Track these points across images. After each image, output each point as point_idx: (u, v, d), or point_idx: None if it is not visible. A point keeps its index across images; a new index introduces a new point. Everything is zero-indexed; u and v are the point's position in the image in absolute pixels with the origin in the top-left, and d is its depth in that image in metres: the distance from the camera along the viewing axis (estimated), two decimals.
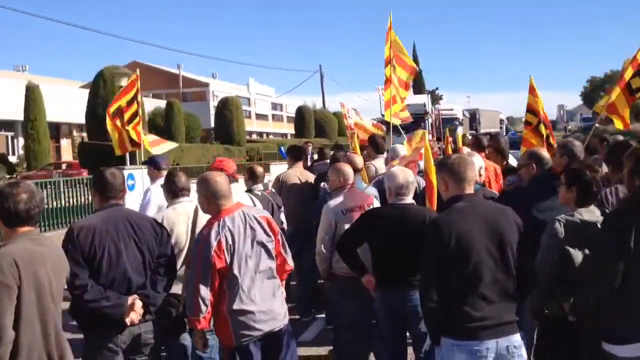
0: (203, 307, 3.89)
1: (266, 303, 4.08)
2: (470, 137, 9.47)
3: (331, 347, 6.20)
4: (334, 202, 5.41)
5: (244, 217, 4.08)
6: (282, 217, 7.04)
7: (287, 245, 4.36)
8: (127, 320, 3.91)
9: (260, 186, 6.83)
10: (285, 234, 7.06)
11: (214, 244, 3.91)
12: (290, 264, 4.38)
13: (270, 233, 4.17)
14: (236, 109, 45.56)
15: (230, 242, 3.96)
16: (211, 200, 4.04)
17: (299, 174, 7.72)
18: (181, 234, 4.76)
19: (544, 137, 7.83)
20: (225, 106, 45.43)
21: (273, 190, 7.35)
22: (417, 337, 4.74)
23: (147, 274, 4.08)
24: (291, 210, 7.34)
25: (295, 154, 8.05)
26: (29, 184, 3.36)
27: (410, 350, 4.92)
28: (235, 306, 3.98)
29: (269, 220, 4.22)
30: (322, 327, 7.16)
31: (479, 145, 7.43)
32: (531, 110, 8.15)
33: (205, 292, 3.88)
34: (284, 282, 4.42)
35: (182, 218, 4.81)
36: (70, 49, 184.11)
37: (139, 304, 3.96)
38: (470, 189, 3.69)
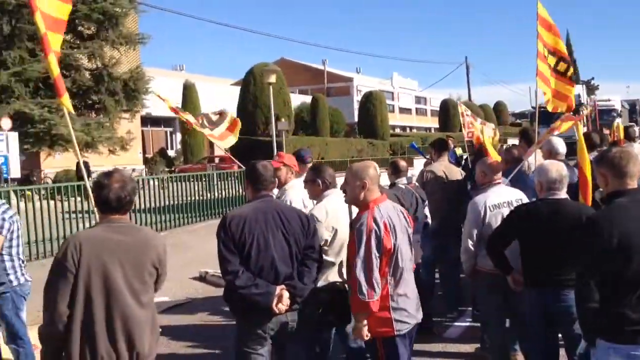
0: (377, 289, 3.82)
1: (415, 291, 4.08)
2: None
3: (478, 345, 6.07)
4: (481, 197, 5.27)
5: (394, 206, 4.12)
6: (426, 211, 6.95)
7: None
8: (275, 309, 4.02)
9: (403, 180, 6.78)
10: (429, 229, 7.02)
11: (381, 224, 3.89)
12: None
13: (410, 225, 4.18)
14: (380, 103, 45.69)
15: (391, 225, 3.94)
16: (372, 186, 4.02)
17: (444, 168, 7.58)
18: (345, 223, 4.83)
19: None
20: (369, 100, 45.70)
21: (417, 183, 7.28)
22: (570, 339, 4.51)
23: (293, 265, 4.17)
24: (435, 205, 7.23)
25: (440, 148, 7.91)
26: (123, 174, 3.47)
27: (562, 352, 4.70)
28: (400, 291, 3.95)
29: (407, 215, 4.24)
30: (469, 323, 7.00)
31: None
32: None
33: (377, 274, 3.83)
34: None
35: (344, 207, 4.91)
36: (223, 48, 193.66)
37: (286, 294, 4.06)
38: (633, 184, 3.44)
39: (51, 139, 21.71)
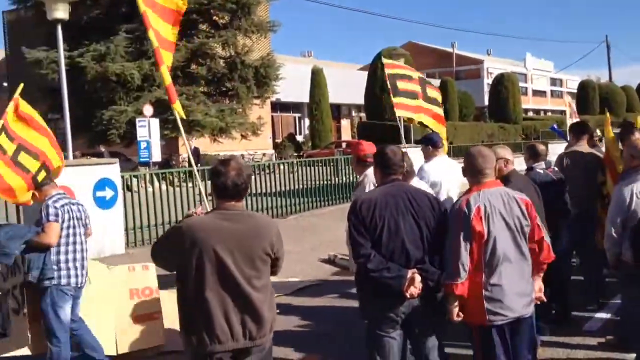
0: (462, 273, 3.86)
1: (519, 285, 3.97)
2: None
3: (611, 336, 5.77)
4: (628, 182, 4.94)
5: (504, 194, 4.03)
6: (567, 197, 6.62)
7: (547, 235, 4.16)
8: (407, 293, 3.99)
9: (542, 164, 6.50)
10: (569, 215, 6.68)
11: (474, 208, 3.89)
12: (552, 254, 4.14)
13: (527, 216, 4.03)
14: (512, 85, 44.16)
15: (489, 211, 3.91)
16: (471, 173, 4.09)
17: (584, 152, 7.18)
18: None
19: None
20: (501, 83, 44.30)
21: (556, 168, 6.95)
22: None
23: (424, 248, 4.12)
24: (575, 191, 6.86)
25: (578, 131, 7.51)
26: (239, 162, 3.57)
27: None
28: (493, 280, 3.90)
29: (527, 204, 4.07)
30: (610, 316, 6.61)
31: None
32: None
33: (465, 257, 3.86)
34: (541, 273, 4.20)
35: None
36: (350, 33, 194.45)
37: (418, 278, 4.01)
38: None
39: (188, 124, 22.86)
